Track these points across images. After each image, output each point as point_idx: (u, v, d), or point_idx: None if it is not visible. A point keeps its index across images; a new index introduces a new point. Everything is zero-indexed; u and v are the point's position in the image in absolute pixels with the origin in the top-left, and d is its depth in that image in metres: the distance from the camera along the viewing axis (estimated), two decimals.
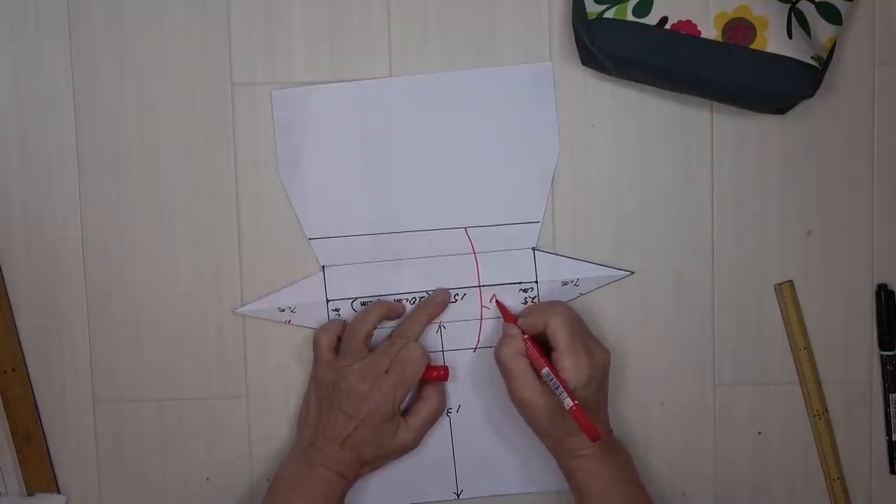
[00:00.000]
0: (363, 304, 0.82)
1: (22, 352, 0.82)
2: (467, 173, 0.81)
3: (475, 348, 0.82)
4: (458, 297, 0.82)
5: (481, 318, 0.82)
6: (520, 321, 0.78)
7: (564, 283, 0.81)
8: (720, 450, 0.83)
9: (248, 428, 0.83)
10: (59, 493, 0.83)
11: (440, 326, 0.82)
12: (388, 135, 0.81)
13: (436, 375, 0.80)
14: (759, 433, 0.83)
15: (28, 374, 0.82)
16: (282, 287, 0.81)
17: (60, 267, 0.82)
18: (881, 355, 0.82)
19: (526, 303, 0.82)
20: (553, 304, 0.79)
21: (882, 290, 0.81)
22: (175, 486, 0.83)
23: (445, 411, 0.82)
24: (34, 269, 0.82)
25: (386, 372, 0.77)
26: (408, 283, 0.82)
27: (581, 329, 0.77)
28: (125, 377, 0.82)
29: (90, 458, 0.83)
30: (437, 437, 0.82)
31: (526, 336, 0.77)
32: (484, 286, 0.82)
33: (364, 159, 0.81)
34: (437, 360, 0.82)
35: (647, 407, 0.83)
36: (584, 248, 0.81)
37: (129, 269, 0.82)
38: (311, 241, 0.81)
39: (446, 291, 0.81)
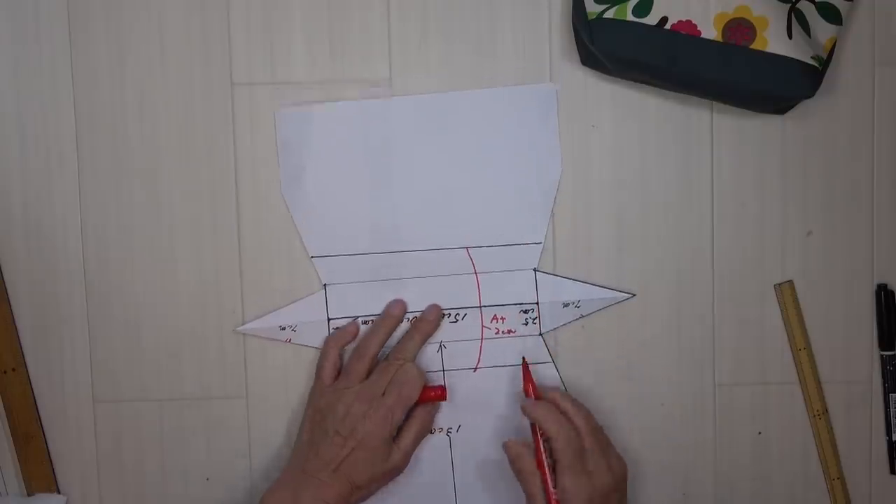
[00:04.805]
0: (364, 322, 0.81)
1: (22, 352, 0.82)
2: (469, 194, 0.81)
3: (475, 368, 0.82)
4: (459, 318, 0.81)
5: (482, 339, 0.82)
6: (537, 412, 0.75)
7: (565, 305, 0.81)
8: (720, 450, 0.83)
9: (248, 428, 0.83)
10: (59, 493, 0.83)
11: (440, 346, 0.82)
12: (391, 155, 0.81)
13: (433, 396, 0.79)
14: (759, 433, 0.83)
15: (28, 374, 0.82)
16: (282, 288, 0.81)
17: (60, 267, 0.82)
18: (881, 355, 0.82)
19: (527, 324, 0.81)
20: (572, 415, 0.76)
21: (882, 290, 0.81)
22: (175, 486, 0.83)
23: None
24: (34, 269, 0.82)
25: (383, 394, 0.76)
26: (409, 302, 0.81)
27: (593, 444, 0.75)
28: (125, 377, 0.82)
29: (90, 458, 0.83)
30: (437, 457, 0.82)
31: (541, 436, 0.75)
32: (485, 307, 0.81)
33: (366, 179, 0.81)
34: (437, 379, 0.82)
35: (647, 407, 0.83)
36: (583, 248, 0.81)
37: (129, 270, 0.82)
38: (313, 259, 0.81)
39: (438, 307, 0.81)
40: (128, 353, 0.82)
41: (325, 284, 0.81)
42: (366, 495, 0.77)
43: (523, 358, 0.81)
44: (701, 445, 0.83)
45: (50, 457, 0.83)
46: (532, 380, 0.79)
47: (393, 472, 0.77)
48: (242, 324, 0.82)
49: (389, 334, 0.80)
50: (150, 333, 0.82)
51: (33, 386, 0.82)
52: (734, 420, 0.83)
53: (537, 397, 0.78)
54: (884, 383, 0.82)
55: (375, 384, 0.77)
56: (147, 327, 0.82)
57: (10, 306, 0.81)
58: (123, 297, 0.82)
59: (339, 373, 0.79)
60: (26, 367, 0.82)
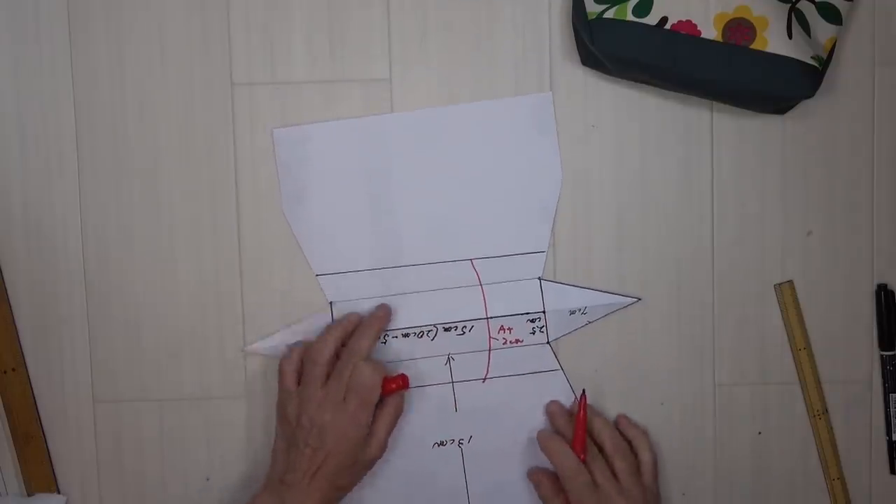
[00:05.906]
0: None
1: (22, 352, 0.82)
2: (471, 205, 0.81)
3: (484, 379, 0.82)
4: (467, 330, 0.81)
5: (489, 350, 0.82)
6: (548, 445, 0.79)
7: (572, 312, 0.81)
8: (720, 450, 0.83)
9: (248, 428, 0.83)
10: (59, 493, 0.83)
11: (449, 358, 0.82)
12: (391, 170, 0.80)
13: (395, 387, 0.78)
14: (759, 433, 0.83)
15: (28, 374, 0.82)
16: (282, 288, 0.81)
17: (60, 267, 0.82)
18: (881, 355, 0.82)
19: (534, 333, 0.81)
20: (636, 447, 0.81)
21: (882, 290, 0.81)
22: (175, 486, 0.83)
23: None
24: (34, 269, 0.82)
25: (344, 399, 0.76)
26: (415, 316, 0.81)
27: (606, 479, 0.77)
28: (125, 377, 0.82)
29: (90, 458, 0.83)
30: (450, 468, 0.82)
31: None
32: (491, 318, 0.81)
33: (367, 195, 0.81)
34: (442, 391, 0.82)
35: (647, 407, 0.83)
36: (584, 248, 0.81)
37: (129, 270, 0.82)
38: (319, 277, 0.81)
39: (387, 305, 0.80)
40: (128, 353, 0.82)
41: (331, 302, 0.81)
42: (348, 490, 0.78)
43: (583, 390, 0.80)
44: (701, 445, 0.83)
45: (50, 457, 0.83)
46: (585, 412, 0.79)
47: (371, 464, 0.78)
48: (242, 323, 0.82)
49: (342, 338, 0.78)
50: (150, 333, 0.82)
51: (33, 386, 0.82)
52: (734, 420, 0.83)
53: (581, 429, 0.79)
54: (884, 383, 0.82)
55: (335, 391, 0.76)
56: (147, 327, 0.82)
57: (10, 306, 0.81)
58: (123, 297, 0.82)
59: (300, 377, 0.78)
60: (26, 367, 0.82)
